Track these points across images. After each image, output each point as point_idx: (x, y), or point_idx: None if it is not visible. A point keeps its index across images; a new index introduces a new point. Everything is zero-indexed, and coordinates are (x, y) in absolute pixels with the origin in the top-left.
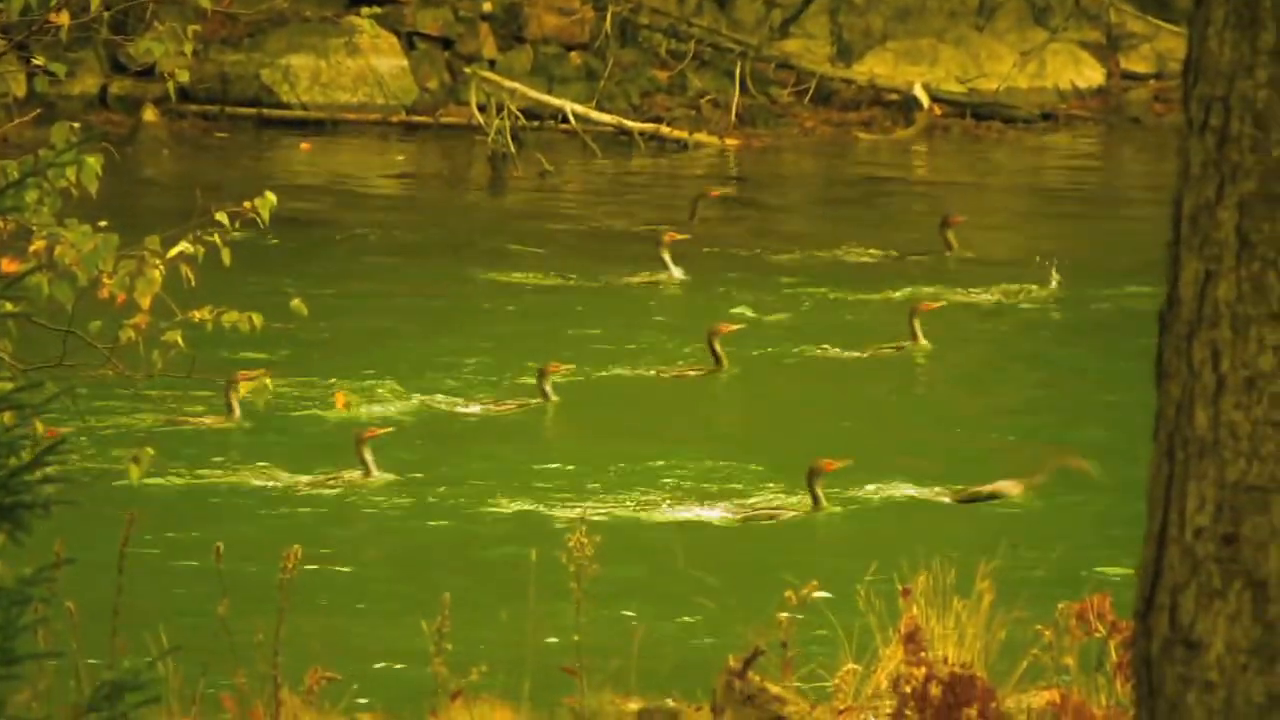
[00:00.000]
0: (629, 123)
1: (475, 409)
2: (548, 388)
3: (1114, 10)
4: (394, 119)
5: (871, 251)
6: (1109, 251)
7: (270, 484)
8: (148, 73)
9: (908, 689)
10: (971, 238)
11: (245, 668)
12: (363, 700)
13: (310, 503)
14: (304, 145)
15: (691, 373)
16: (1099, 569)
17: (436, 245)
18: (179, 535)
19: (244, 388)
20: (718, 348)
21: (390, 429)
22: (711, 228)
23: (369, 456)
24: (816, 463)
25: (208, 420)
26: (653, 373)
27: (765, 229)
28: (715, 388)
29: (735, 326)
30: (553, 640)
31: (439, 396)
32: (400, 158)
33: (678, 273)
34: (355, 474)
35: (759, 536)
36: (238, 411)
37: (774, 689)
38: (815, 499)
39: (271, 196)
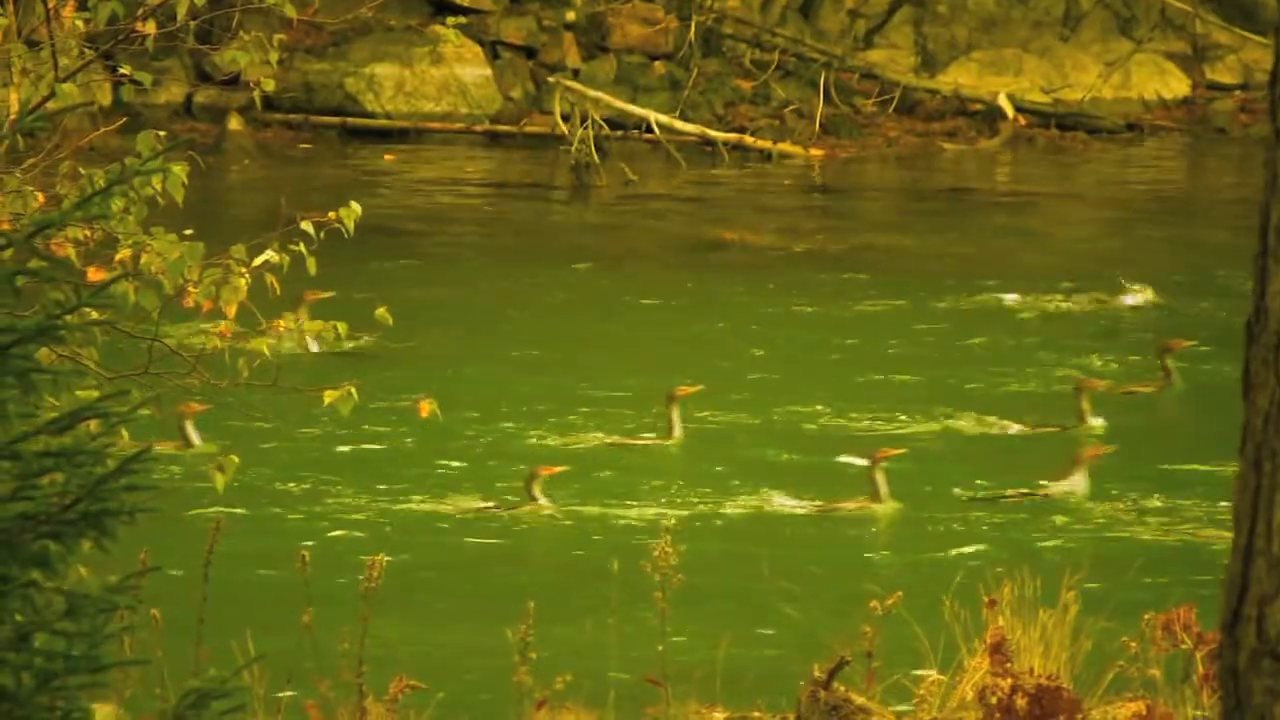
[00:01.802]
0: (713, 133)
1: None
2: (675, 417)
3: (1199, 21)
4: (478, 128)
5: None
6: (1194, 263)
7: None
8: (232, 81)
9: (993, 700)
10: (1055, 247)
11: (330, 677)
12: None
13: (392, 514)
14: (387, 156)
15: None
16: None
17: (522, 254)
18: (265, 543)
19: (328, 397)
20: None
21: (565, 468)
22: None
23: (538, 491)
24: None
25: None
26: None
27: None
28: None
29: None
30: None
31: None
32: (484, 167)
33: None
34: (525, 507)
35: (846, 545)
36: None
37: (858, 699)
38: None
39: (356, 206)
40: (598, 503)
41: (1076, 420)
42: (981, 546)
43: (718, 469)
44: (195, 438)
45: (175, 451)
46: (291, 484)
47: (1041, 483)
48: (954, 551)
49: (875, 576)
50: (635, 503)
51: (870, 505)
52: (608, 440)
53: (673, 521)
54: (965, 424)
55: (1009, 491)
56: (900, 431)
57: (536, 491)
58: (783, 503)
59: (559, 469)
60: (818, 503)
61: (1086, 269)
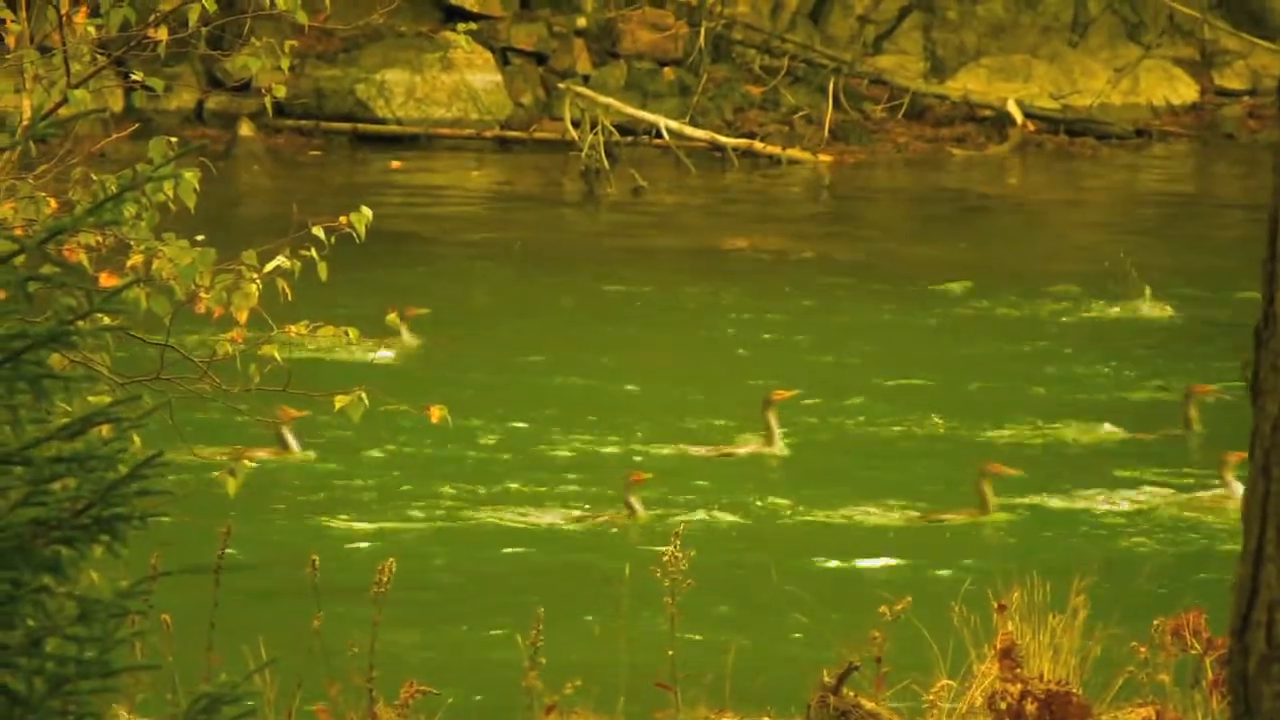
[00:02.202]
0: (722, 138)
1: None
2: (772, 421)
3: (1208, 27)
4: (488, 134)
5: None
6: (1202, 267)
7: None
8: (244, 88)
9: (1003, 705)
10: (1065, 253)
11: (340, 681)
12: (458, 714)
13: (409, 519)
14: (394, 164)
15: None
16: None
17: (533, 259)
18: (275, 547)
19: (338, 402)
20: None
21: (649, 475)
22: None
23: (634, 500)
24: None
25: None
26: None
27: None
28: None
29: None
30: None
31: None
32: (494, 174)
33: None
34: (620, 515)
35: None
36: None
37: (868, 704)
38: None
39: (367, 211)
40: (702, 510)
41: (1183, 427)
42: (998, 553)
43: (820, 478)
44: (294, 443)
45: (272, 458)
46: (405, 488)
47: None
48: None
49: (890, 583)
50: (734, 511)
51: (978, 516)
52: (706, 451)
53: (769, 528)
54: (1064, 430)
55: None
56: (985, 438)
57: (634, 500)
58: (886, 510)
59: (646, 476)
60: (920, 513)
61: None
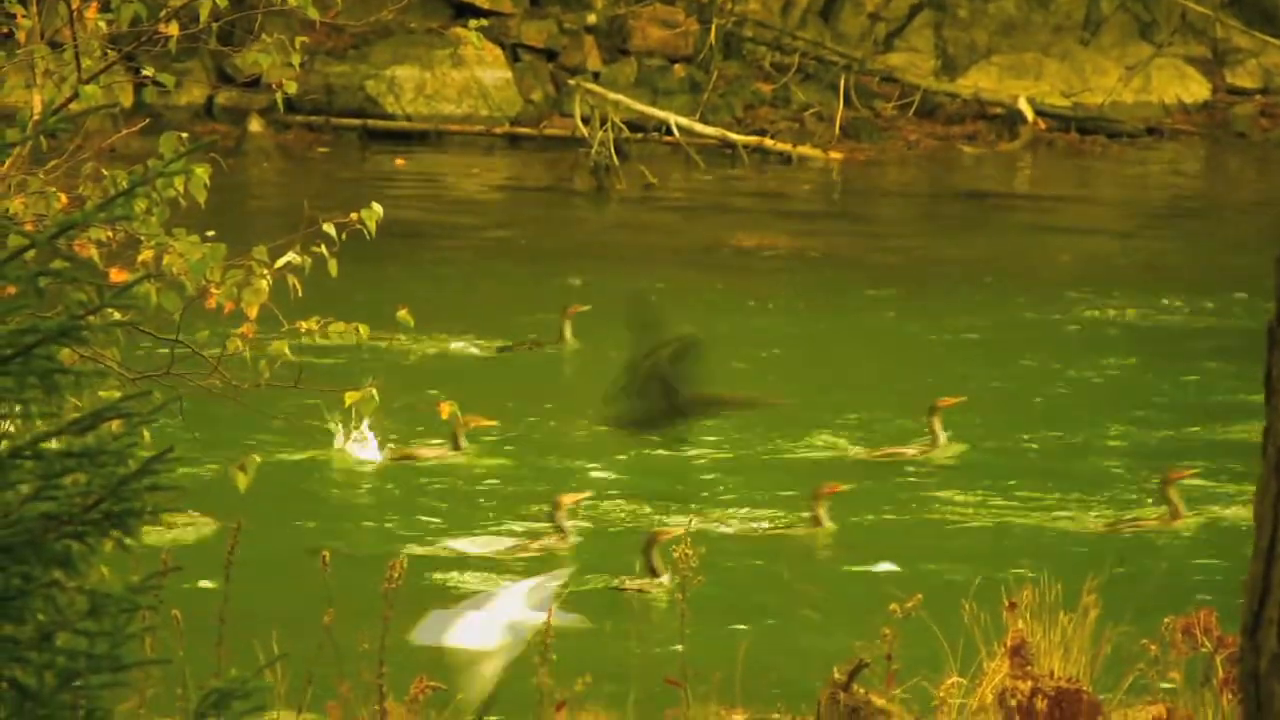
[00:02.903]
0: (733, 135)
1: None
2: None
3: (1220, 25)
4: (498, 131)
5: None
6: (1215, 265)
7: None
8: (253, 84)
9: (1013, 702)
10: (1076, 251)
11: (350, 677)
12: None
13: (411, 512)
14: (398, 161)
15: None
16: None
17: (543, 256)
18: (286, 543)
19: (349, 398)
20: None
21: (849, 486)
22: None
23: (821, 511)
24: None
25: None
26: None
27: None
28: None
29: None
30: (657, 652)
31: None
32: (504, 170)
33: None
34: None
35: (863, 548)
36: (462, 441)
37: (878, 701)
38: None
39: (378, 208)
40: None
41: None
42: (1005, 552)
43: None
44: (463, 441)
45: (444, 453)
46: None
47: None
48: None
49: (897, 581)
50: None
51: (1170, 523)
52: (873, 453)
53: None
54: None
55: None
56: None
57: (821, 513)
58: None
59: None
60: (1108, 517)
61: (1101, 269)
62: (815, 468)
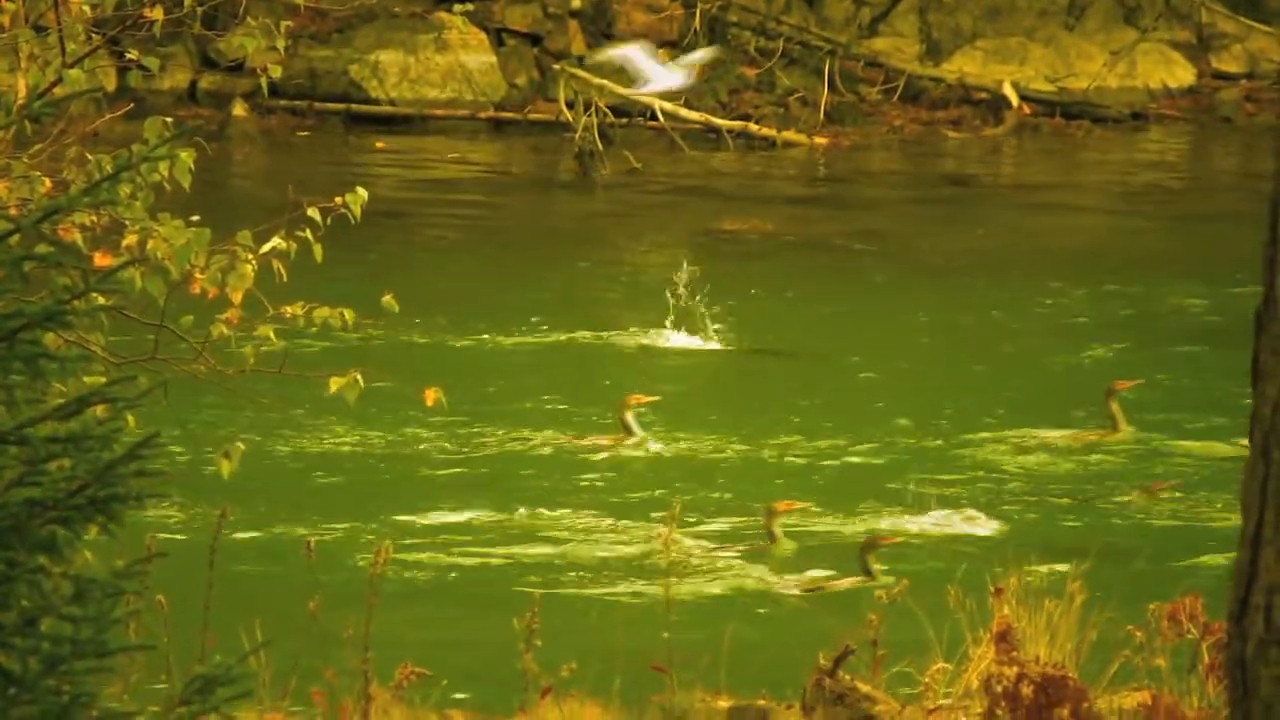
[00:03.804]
0: (717, 120)
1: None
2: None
3: (1205, 10)
4: (482, 115)
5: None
6: (1200, 252)
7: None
8: (237, 68)
9: (999, 689)
10: (1061, 236)
11: (335, 663)
12: (453, 695)
13: (396, 499)
14: (379, 144)
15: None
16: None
17: (528, 240)
18: (272, 530)
19: (334, 384)
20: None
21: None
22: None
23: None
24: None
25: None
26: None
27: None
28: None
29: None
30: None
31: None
32: (488, 155)
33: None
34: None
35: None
36: (636, 430)
37: (864, 688)
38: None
39: (363, 192)
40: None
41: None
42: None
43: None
44: (636, 428)
45: (612, 443)
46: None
47: None
48: (959, 544)
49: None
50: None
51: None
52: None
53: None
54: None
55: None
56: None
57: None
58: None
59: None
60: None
61: (1088, 254)
62: (798, 458)
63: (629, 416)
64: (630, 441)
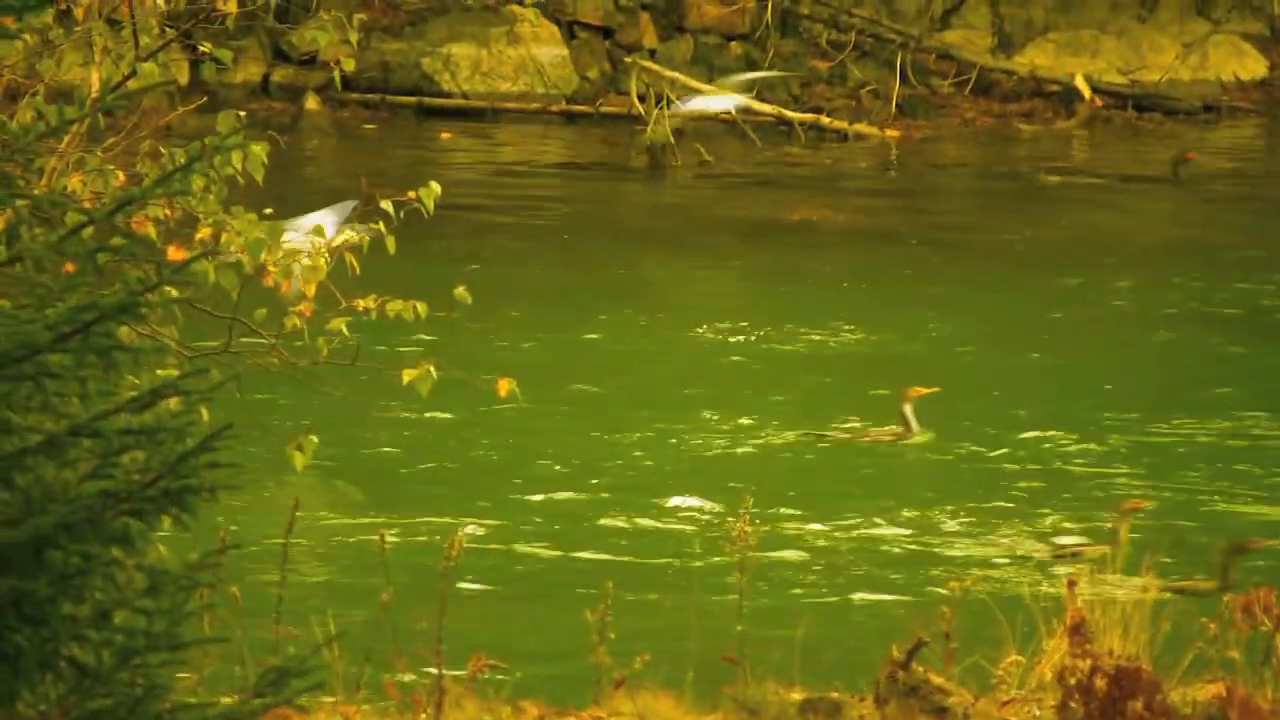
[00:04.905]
0: (789, 113)
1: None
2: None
3: (1278, 2)
4: (554, 108)
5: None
6: (1275, 244)
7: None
8: (310, 61)
9: (1072, 681)
10: (1129, 227)
11: (409, 655)
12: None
13: (477, 492)
14: (444, 134)
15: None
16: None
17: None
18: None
19: (406, 375)
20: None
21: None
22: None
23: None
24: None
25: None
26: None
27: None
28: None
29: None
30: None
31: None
32: (560, 148)
33: None
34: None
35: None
36: (915, 425)
37: (937, 680)
38: None
39: (436, 186)
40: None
41: None
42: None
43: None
44: (914, 422)
45: (892, 439)
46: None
47: None
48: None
49: (955, 561)
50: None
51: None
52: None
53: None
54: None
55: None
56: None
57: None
58: None
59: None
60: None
61: (1155, 246)
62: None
63: (907, 410)
64: (910, 438)
